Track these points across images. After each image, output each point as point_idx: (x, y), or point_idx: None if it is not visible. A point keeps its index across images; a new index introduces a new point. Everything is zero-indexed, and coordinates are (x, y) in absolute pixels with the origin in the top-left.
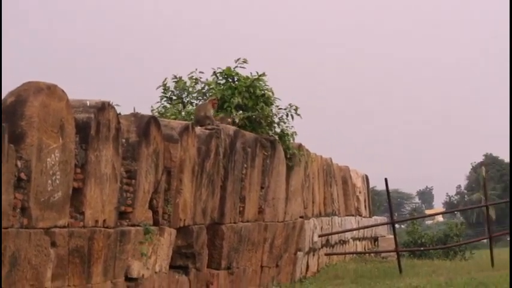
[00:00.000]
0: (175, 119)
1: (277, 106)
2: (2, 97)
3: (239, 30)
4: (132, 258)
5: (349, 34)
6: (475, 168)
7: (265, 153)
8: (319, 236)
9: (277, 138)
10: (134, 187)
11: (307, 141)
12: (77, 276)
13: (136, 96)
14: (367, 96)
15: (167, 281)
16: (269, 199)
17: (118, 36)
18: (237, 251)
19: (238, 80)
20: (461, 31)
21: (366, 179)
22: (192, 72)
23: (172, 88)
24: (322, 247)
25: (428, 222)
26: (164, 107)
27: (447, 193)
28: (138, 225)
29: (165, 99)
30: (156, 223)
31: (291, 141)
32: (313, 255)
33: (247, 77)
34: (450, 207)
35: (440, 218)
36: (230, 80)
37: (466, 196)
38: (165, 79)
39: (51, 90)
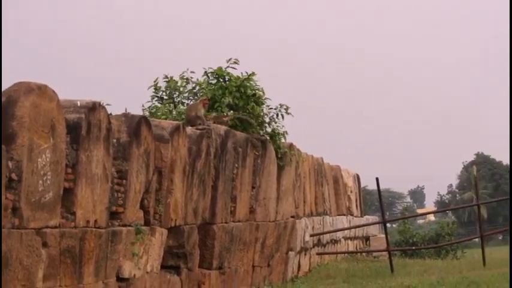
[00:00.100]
0: (166, 118)
1: (268, 106)
2: None
3: (239, 30)
4: (124, 258)
5: (349, 34)
6: (467, 167)
7: (256, 153)
8: (311, 235)
9: (268, 138)
10: (125, 187)
11: (299, 141)
12: (68, 276)
13: (128, 96)
14: (361, 96)
15: (159, 281)
16: (260, 199)
17: (110, 35)
18: (228, 251)
19: (230, 80)
20: (461, 31)
21: (357, 178)
22: (183, 72)
23: (163, 88)
24: (313, 247)
25: (420, 221)
26: (155, 106)
27: (438, 192)
28: (129, 226)
29: (156, 99)
30: (147, 223)
31: (282, 140)
32: (305, 254)
33: (238, 77)
34: (442, 207)
35: (431, 217)
36: (221, 80)
37: (457, 195)
38: (157, 79)
39: (42, 91)
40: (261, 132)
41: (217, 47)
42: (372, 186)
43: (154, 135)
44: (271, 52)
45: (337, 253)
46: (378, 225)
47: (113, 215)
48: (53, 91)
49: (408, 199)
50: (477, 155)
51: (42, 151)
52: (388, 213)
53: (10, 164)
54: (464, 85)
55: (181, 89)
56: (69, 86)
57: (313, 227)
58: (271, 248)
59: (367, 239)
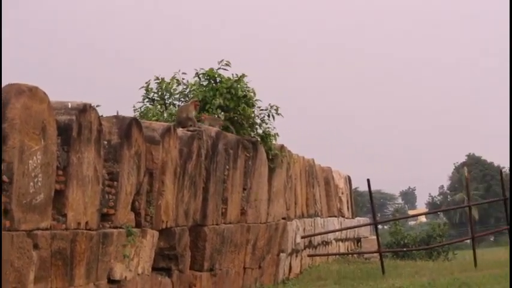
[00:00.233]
0: (157, 120)
1: (259, 107)
2: None
3: (239, 30)
4: (115, 260)
5: (349, 34)
6: (458, 169)
7: (247, 155)
8: (302, 237)
9: (259, 139)
10: (116, 189)
11: (290, 142)
12: (59, 278)
13: (119, 97)
14: (353, 97)
15: (150, 283)
16: (251, 200)
17: (102, 35)
18: (219, 253)
19: (220, 81)
20: (461, 31)
21: (349, 180)
22: (175, 73)
23: (154, 89)
24: (305, 248)
25: (412, 222)
26: (146, 108)
27: (430, 193)
28: (120, 227)
29: (147, 100)
30: (138, 225)
31: (273, 142)
32: (296, 256)
33: (229, 78)
34: (433, 208)
35: (423, 219)
36: (212, 82)
37: (449, 196)
38: (149, 80)
39: (33, 92)
40: (252, 133)
41: (217, 47)
42: (363, 187)
43: (145, 137)
44: (269, 52)
45: (328, 255)
46: (369, 226)
47: (104, 217)
48: (44, 93)
49: (399, 200)
50: (468, 156)
51: (33, 153)
52: (379, 215)
53: (1, 166)
54: (461, 85)
55: (172, 90)
56: (59, 87)
57: (304, 229)
58: (262, 249)
59: (358, 240)
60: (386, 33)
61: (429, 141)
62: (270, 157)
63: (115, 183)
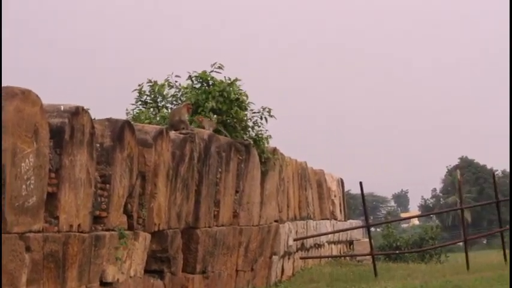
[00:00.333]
0: (149, 123)
1: (252, 110)
2: None
3: (239, 31)
4: (107, 262)
5: (349, 34)
6: (451, 171)
7: (240, 157)
8: (294, 239)
9: (251, 142)
10: (108, 192)
11: (282, 145)
12: (51, 281)
13: (111, 98)
14: (344, 100)
15: (142, 286)
16: (244, 203)
17: (95, 38)
18: (212, 255)
19: (213, 84)
20: (461, 31)
21: (341, 182)
22: (168, 76)
23: (147, 92)
24: (297, 251)
25: (404, 225)
26: (139, 110)
27: (422, 196)
28: (112, 230)
29: (140, 102)
30: (130, 227)
31: (266, 145)
32: (289, 259)
33: (222, 81)
34: (426, 211)
35: (416, 221)
36: (205, 85)
37: (441, 199)
38: (142, 83)
39: (26, 95)
40: (245, 136)
41: (217, 47)
42: (356, 190)
43: (138, 140)
44: (270, 52)
45: (320, 257)
46: (361, 229)
47: (96, 220)
48: (37, 96)
49: (392, 203)
50: (461, 159)
51: (26, 156)
52: (372, 218)
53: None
54: (461, 85)
55: (164, 93)
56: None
57: (296, 231)
58: (254, 252)
59: (350, 243)
60: (386, 33)
61: (422, 143)
62: (263, 160)
63: (107, 185)
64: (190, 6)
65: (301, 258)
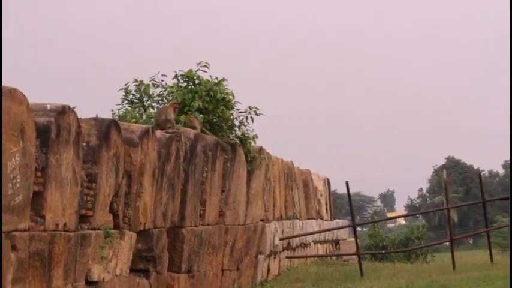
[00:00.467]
0: (136, 122)
1: (238, 109)
2: None
3: (239, 31)
4: (93, 261)
5: (349, 34)
6: (437, 171)
7: (226, 157)
8: (280, 239)
9: (238, 141)
10: (95, 191)
11: (268, 145)
12: (37, 279)
13: (112, 98)
14: (330, 99)
15: (128, 285)
16: (230, 202)
17: (95, 38)
18: (197, 254)
19: (199, 83)
20: (461, 31)
21: (327, 182)
22: (154, 75)
23: (133, 91)
24: (283, 250)
25: (390, 225)
26: (125, 110)
27: (409, 196)
28: (98, 229)
29: (126, 102)
30: (116, 226)
31: (252, 144)
32: (274, 258)
33: (208, 81)
34: (412, 210)
35: (402, 221)
36: (191, 83)
37: (428, 199)
38: (128, 82)
39: (12, 94)
40: (231, 135)
41: (217, 47)
42: (342, 190)
43: (124, 139)
44: (270, 52)
45: (306, 257)
46: (347, 229)
47: (82, 219)
48: (23, 94)
49: (379, 203)
50: (448, 159)
51: (12, 154)
52: (358, 217)
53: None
54: (461, 85)
55: (151, 92)
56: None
57: (282, 231)
58: (240, 251)
59: (336, 242)
60: (386, 33)
61: (409, 143)
62: (249, 159)
63: (93, 184)
64: (190, 6)
65: (287, 257)
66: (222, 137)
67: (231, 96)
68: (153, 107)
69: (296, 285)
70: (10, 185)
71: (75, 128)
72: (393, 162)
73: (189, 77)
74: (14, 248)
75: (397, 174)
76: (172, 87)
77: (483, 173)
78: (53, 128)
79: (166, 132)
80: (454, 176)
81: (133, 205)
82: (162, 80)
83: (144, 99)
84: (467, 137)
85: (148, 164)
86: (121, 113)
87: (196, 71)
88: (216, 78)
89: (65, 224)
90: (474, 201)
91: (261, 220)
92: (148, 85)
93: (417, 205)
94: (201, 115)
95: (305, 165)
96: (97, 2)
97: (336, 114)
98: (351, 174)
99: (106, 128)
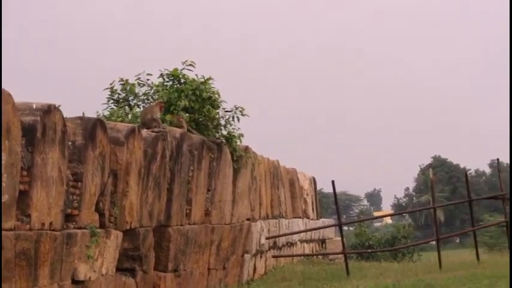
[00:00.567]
0: (122, 121)
1: (224, 109)
2: None
3: (239, 31)
4: (79, 260)
5: (349, 34)
6: (423, 170)
7: (212, 156)
8: (267, 238)
9: (224, 140)
10: (80, 190)
11: (254, 144)
12: (23, 279)
13: (83, 97)
14: (316, 98)
15: (114, 284)
16: (216, 201)
17: (95, 38)
18: (184, 254)
19: (185, 82)
20: (461, 31)
21: (314, 181)
22: (139, 74)
23: (119, 90)
24: (269, 249)
25: (377, 224)
26: (111, 109)
27: (395, 195)
28: (84, 228)
29: (111, 101)
30: (102, 226)
31: (238, 143)
32: (261, 257)
33: (194, 80)
34: (398, 210)
35: (388, 220)
36: (176, 82)
37: (414, 198)
38: (113, 81)
39: None
40: (217, 135)
41: (217, 47)
42: (328, 189)
43: (110, 138)
44: (270, 52)
45: (293, 256)
46: (334, 228)
47: (68, 218)
48: (9, 94)
49: (365, 202)
50: (434, 158)
51: None
52: (344, 216)
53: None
54: (461, 85)
55: (136, 91)
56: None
57: (269, 230)
58: (226, 250)
59: (323, 241)
60: (386, 33)
61: (395, 143)
62: (235, 158)
63: (79, 184)
64: (190, 6)
65: (273, 256)
66: (208, 136)
67: (216, 95)
68: (138, 106)
69: (282, 284)
70: None
71: (61, 127)
72: (379, 161)
73: (174, 75)
74: None
75: (383, 173)
76: (158, 86)
77: (469, 172)
78: (39, 127)
79: (152, 131)
80: (440, 175)
81: (119, 204)
82: (148, 79)
83: (130, 98)
84: (453, 136)
85: (134, 163)
86: (107, 112)
87: (181, 70)
88: (202, 77)
89: (50, 223)
90: (460, 200)
91: (247, 219)
92: (133, 84)
93: (403, 204)
94: (187, 114)
95: (291, 164)
96: (97, 2)
97: (335, 114)
98: (337, 174)
99: (92, 127)
